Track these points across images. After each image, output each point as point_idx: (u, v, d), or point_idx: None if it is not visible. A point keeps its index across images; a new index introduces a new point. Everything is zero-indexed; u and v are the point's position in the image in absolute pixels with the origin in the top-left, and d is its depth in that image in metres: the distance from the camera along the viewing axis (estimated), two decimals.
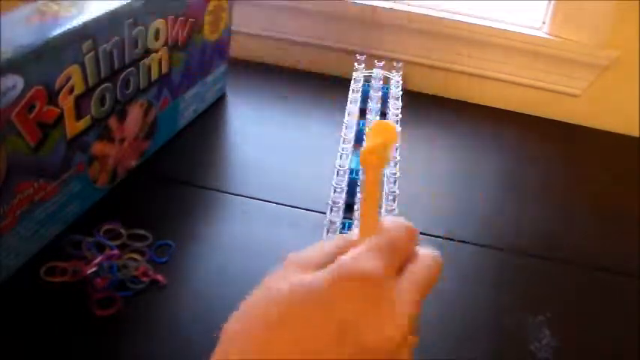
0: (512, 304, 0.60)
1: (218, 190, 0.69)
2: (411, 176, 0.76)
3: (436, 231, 0.68)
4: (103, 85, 0.57)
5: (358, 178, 0.65)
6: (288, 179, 0.73)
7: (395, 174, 0.65)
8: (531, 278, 0.64)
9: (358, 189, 0.65)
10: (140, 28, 0.61)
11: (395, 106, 0.79)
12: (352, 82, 0.83)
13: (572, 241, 0.70)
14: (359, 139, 0.72)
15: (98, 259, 0.55)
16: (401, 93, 0.82)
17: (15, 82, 0.46)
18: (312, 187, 0.70)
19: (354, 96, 0.79)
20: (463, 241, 0.67)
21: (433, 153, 0.84)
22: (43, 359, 0.48)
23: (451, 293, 0.60)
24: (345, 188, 0.64)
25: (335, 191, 0.62)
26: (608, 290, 0.64)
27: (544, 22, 0.96)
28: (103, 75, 0.57)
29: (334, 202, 0.61)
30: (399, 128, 0.74)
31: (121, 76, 0.60)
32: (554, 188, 0.80)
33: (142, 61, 0.63)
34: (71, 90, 0.53)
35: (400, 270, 0.26)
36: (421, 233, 0.68)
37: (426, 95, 0.99)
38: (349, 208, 0.64)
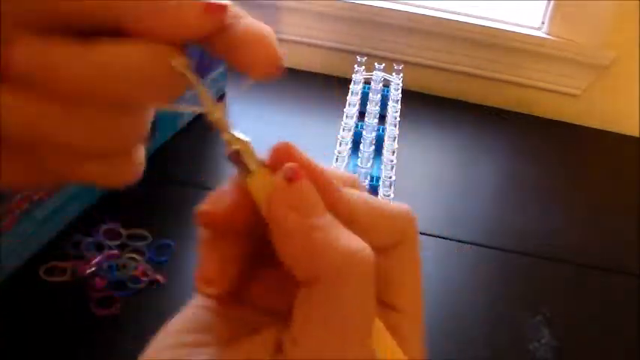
0: (512, 303, 0.60)
1: None
2: (410, 176, 0.76)
3: (436, 231, 0.67)
4: None
5: None
6: None
7: (390, 177, 0.65)
8: (531, 278, 0.64)
9: None
10: None
11: (394, 109, 0.79)
12: (352, 84, 0.82)
13: (572, 241, 0.70)
14: (356, 142, 0.72)
15: (97, 259, 0.55)
16: (400, 96, 0.82)
17: None
18: None
19: (352, 98, 0.79)
20: (463, 241, 0.67)
21: (432, 153, 0.84)
22: (42, 359, 0.48)
23: (451, 293, 0.60)
24: None
25: None
26: (608, 290, 0.64)
27: (543, 23, 0.96)
28: None
29: None
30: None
31: None
32: (554, 188, 0.80)
33: None
34: None
35: None
36: (421, 233, 0.69)
37: (426, 95, 0.99)
38: None
